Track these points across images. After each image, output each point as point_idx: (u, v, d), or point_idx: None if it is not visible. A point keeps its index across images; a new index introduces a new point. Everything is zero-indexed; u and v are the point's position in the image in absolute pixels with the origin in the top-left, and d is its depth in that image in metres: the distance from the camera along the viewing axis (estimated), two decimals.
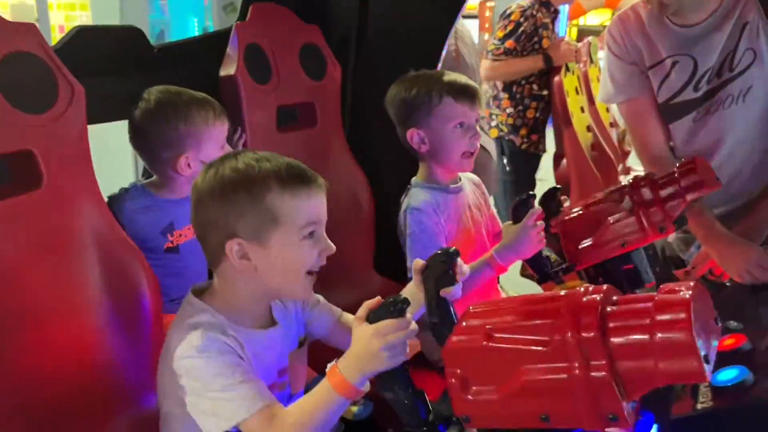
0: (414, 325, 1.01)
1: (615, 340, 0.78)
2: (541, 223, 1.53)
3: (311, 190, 1.14)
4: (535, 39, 3.20)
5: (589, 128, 3.46)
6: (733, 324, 1.28)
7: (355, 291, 1.79)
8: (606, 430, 0.80)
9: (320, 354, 1.23)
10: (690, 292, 0.78)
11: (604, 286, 0.86)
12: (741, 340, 1.14)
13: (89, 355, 1.30)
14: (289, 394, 1.24)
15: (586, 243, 1.53)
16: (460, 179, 1.76)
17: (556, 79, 3.23)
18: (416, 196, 1.67)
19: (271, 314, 1.24)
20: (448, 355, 0.89)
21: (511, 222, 1.57)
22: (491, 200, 1.96)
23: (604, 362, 0.77)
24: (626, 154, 3.45)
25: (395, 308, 0.99)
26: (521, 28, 3.16)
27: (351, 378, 1.01)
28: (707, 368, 0.74)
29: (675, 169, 1.47)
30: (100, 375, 1.31)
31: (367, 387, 1.03)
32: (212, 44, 1.87)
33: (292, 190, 1.12)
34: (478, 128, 1.66)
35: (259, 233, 1.11)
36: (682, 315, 0.75)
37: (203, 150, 1.56)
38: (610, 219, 1.50)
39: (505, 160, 3.38)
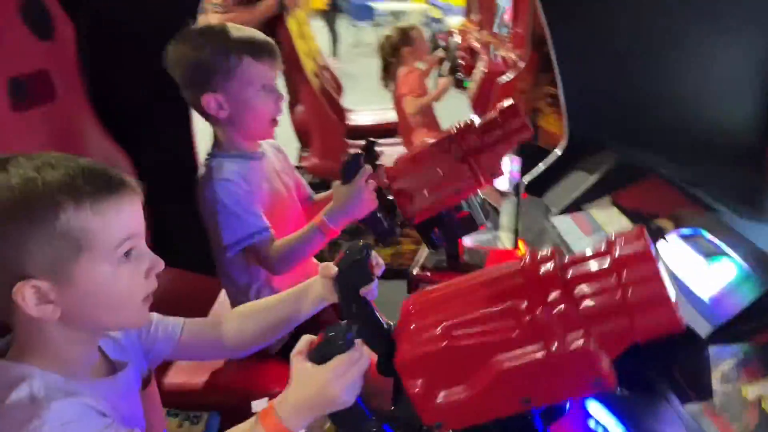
0: (367, 351, 0.86)
1: (587, 305, 0.75)
2: (372, 182, 1.44)
3: (121, 198, 0.86)
4: None
5: (316, 74, 3.42)
6: None
7: None
8: None
9: None
10: (643, 241, 0.76)
11: (550, 250, 0.81)
12: None
13: None
14: None
15: (420, 196, 1.48)
16: (261, 145, 1.58)
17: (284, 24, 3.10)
18: (220, 168, 1.46)
19: (106, 356, 0.98)
20: (406, 367, 0.81)
21: (339, 182, 1.45)
22: None
23: (581, 331, 0.74)
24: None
25: (345, 340, 0.85)
26: None
27: (293, 425, 0.86)
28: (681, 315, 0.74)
29: (497, 114, 1.48)
30: None
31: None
32: None
33: (94, 203, 0.83)
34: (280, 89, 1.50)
35: (57, 268, 0.82)
36: (649, 267, 0.74)
37: None
38: (439, 170, 1.47)
39: None
